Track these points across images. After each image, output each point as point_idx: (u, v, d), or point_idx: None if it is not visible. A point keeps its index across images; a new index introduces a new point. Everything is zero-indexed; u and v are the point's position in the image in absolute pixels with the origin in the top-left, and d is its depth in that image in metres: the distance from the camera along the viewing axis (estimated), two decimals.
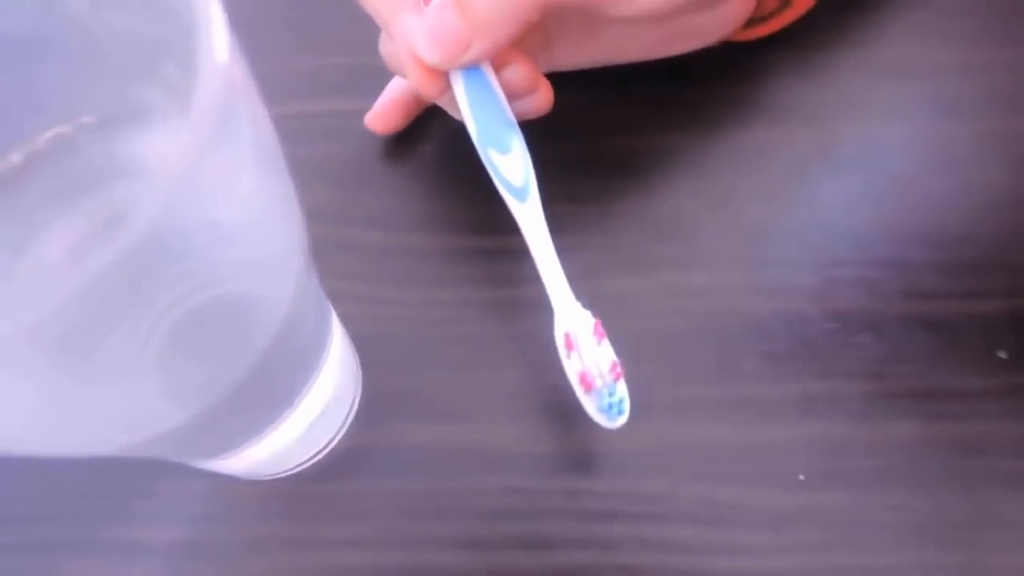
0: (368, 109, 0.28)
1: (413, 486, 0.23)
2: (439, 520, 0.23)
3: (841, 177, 0.27)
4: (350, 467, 0.24)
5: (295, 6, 0.31)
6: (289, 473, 0.23)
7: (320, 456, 0.24)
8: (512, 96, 0.22)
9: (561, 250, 0.22)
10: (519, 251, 0.25)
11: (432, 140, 0.29)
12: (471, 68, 0.21)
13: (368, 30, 0.25)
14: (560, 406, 0.24)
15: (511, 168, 0.21)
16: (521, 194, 0.21)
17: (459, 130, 0.24)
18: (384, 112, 0.27)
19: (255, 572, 0.22)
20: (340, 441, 0.24)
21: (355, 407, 0.24)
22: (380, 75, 0.27)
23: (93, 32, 0.14)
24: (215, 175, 0.11)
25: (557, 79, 0.24)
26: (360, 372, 0.25)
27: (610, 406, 0.20)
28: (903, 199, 0.27)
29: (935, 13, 0.29)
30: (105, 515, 0.23)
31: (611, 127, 0.28)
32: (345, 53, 0.30)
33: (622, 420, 0.20)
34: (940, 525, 0.22)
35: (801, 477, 0.23)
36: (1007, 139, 0.27)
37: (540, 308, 0.23)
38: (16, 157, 0.17)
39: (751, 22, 0.27)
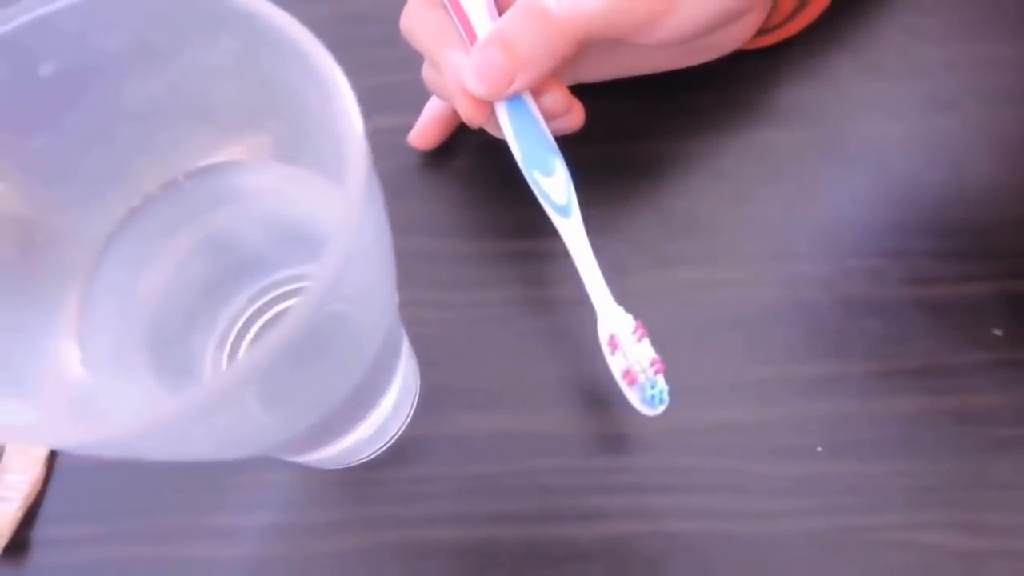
0: (407, 125, 0.30)
1: (471, 469, 0.26)
2: (497, 498, 0.26)
3: (846, 174, 0.29)
4: (414, 454, 0.26)
5: (337, 31, 0.34)
6: (362, 462, 0.26)
7: (388, 445, 0.26)
8: (548, 117, 0.25)
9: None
10: (555, 253, 0.28)
11: (468, 151, 0.31)
12: (514, 98, 0.24)
13: (403, 50, 0.27)
14: (598, 393, 0.27)
15: (555, 188, 0.23)
16: (565, 211, 0.23)
17: (491, 142, 0.27)
18: (425, 130, 0.29)
19: (335, 550, 0.25)
20: (404, 431, 0.27)
21: (416, 401, 0.27)
22: (415, 93, 0.29)
23: (212, 102, 0.17)
24: (364, 236, 0.13)
25: (578, 88, 0.26)
26: (418, 369, 0.27)
27: (652, 397, 0.23)
28: (904, 192, 0.29)
29: (921, 14, 0.32)
30: (202, 505, 0.26)
31: (630, 133, 0.30)
32: (384, 73, 0.32)
33: (662, 408, 0.23)
34: (942, 487, 0.25)
35: (819, 449, 0.26)
36: (997, 130, 0.30)
37: (576, 305, 0.26)
38: (135, 202, 0.19)
39: (760, 31, 0.29)
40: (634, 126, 0.30)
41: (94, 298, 0.19)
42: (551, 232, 0.24)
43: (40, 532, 0.26)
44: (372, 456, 0.26)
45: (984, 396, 0.26)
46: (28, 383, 0.16)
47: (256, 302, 0.24)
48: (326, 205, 0.19)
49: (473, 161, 0.31)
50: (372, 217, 0.14)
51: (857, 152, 0.30)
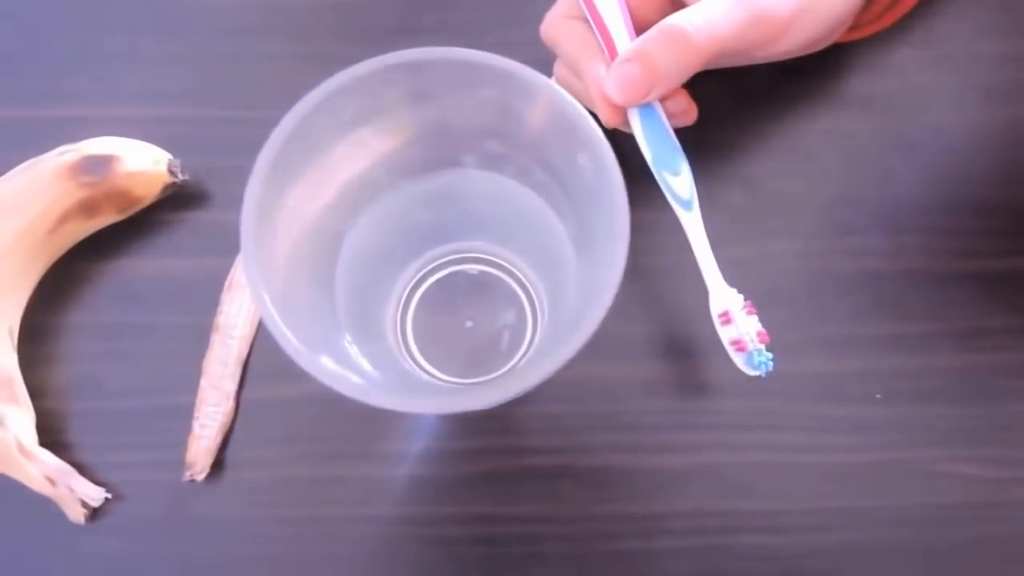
0: None
1: (588, 408, 0.31)
2: (609, 432, 0.31)
3: (909, 158, 0.34)
4: (537, 396, 0.32)
5: None
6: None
7: None
8: (668, 115, 0.28)
9: None
10: (661, 224, 0.32)
11: None
12: (646, 105, 0.27)
13: None
14: (694, 346, 0.31)
15: (680, 186, 0.27)
16: (687, 205, 0.28)
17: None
18: None
19: (481, 472, 0.31)
20: None
21: None
22: None
23: (454, 129, 0.21)
24: None
25: None
26: None
27: (760, 363, 0.27)
28: (959, 176, 0.33)
29: (985, 11, 0.35)
30: (369, 434, 0.31)
31: (722, 118, 0.34)
32: None
33: (767, 371, 0.28)
34: (978, 428, 0.31)
35: (878, 396, 0.31)
36: None
37: (675, 271, 0.30)
38: None
39: (850, 28, 0.33)
40: (725, 111, 0.34)
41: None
42: (644, 205, 0.28)
43: (232, 454, 0.31)
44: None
45: (1018, 354, 0.31)
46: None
47: (423, 269, 0.29)
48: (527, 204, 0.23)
49: None
50: None
51: (920, 138, 0.34)
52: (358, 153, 0.22)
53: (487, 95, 0.19)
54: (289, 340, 0.16)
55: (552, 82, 0.19)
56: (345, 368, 0.19)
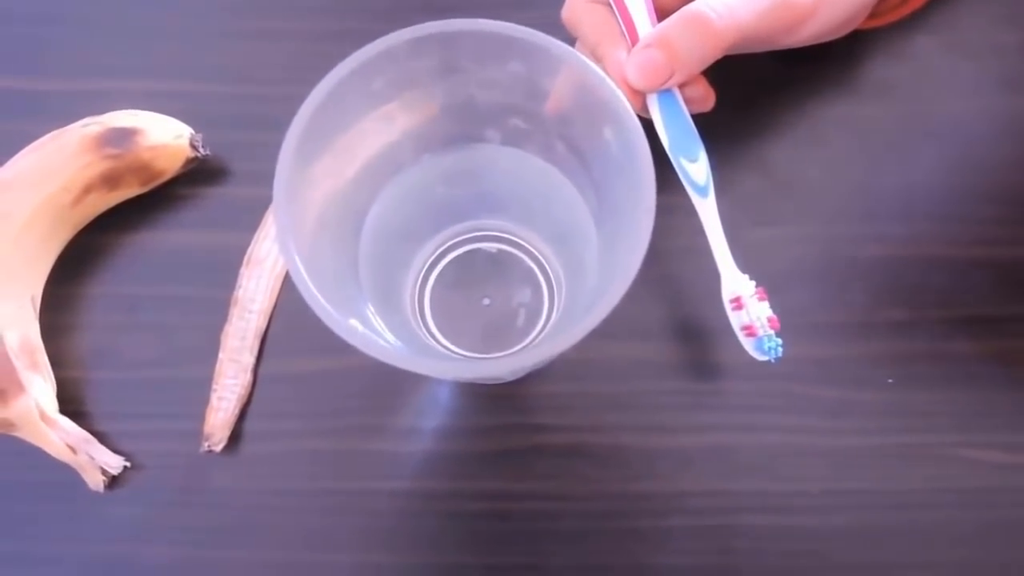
0: None
1: (600, 388, 0.32)
2: (622, 412, 0.31)
3: (926, 145, 0.34)
4: (549, 375, 0.32)
5: None
6: (511, 379, 0.32)
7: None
8: (687, 102, 0.29)
9: None
10: (675, 208, 0.32)
11: None
12: (665, 91, 0.28)
13: None
14: (707, 328, 0.32)
15: (697, 172, 0.28)
16: (703, 191, 0.28)
17: None
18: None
19: (494, 449, 0.31)
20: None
21: None
22: None
23: (479, 104, 0.21)
24: None
25: None
26: None
27: (769, 349, 0.28)
28: (975, 164, 0.34)
29: (1001, 5, 0.35)
30: (384, 409, 0.31)
31: (738, 103, 0.34)
32: None
33: (776, 356, 0.28)
34: (987, 414, 0.31)
35: (890, 380, 0.31)
36: None
37: (688, 254, 0.31)
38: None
39: (871, 15, 0.33)
40: (740, 97, 0.34)
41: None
42: (659, 188, 0.28)
43: (249, 426, 0.31)
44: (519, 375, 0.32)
45: None
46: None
47: (442, 246, 0.29)
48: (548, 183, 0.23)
49: None
50: None
51: (937, 126, 0.34)
52: (384, 126, 0.22)
53: (515, 69, 0.20)
54: (320, 302, 0.17)
55: (582, 55, 0.19)
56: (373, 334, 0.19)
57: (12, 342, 0.29)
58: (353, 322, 0.18)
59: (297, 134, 0.18)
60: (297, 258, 0.17)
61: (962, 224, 0.33)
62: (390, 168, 0.23)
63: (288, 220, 0.17)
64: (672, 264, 0.33)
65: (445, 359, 0.26)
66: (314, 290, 0.17)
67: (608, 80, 0.19)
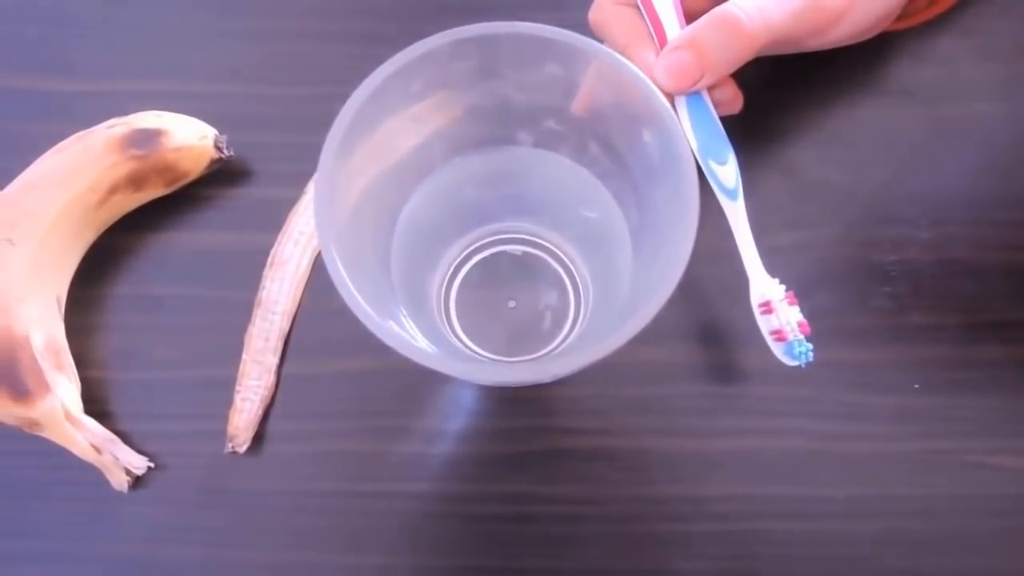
0: None
1: (624, 391, 0.31)
2: (646, 416, 0.31)
3: (952, 148, 0.34)
4: (576, 378, 0.32)
5: None
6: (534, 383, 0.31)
7: None
8: (715, 104, 0.28)
9: None
10: (703, 209, 0.32)
11: None
12: (694, 94, 0.27)
13: None
14: (732, 332, 0.32)
15: (726, 175, 0.27)
16: (732, 195, 0.28)
17: None
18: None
19: (517, 451, 0.31)
20: None
21: None
22: None
23: (513, 106, 0.21)
24: None
25: None
26: None
27: (800, 354, 0.27)
28: (1002, 168, 0.33)
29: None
30: (408, 412, 0.31)
31: (764, 106, 0.34)
32: None
33: (807, 361, 0.28)
34: (1013, 420, 0.31)
35: (916, 386, 0.31)
36: None
37: (716, 257, 0.30)
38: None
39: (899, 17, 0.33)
40: (766, 99, 0.34)
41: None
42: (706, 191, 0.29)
43: (272, 427, 0.31)
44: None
45: None
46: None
47: (468, 247, 0.29)
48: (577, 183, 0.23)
49: None
50: None
51: (963, 129, 0.34)
52: (417, 127, 0.22)
53: (552, 70, 0.20)
54: (360, 304, 0.17)
55: (623, 57, 0.19)
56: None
57: (38, 342, 0.29)
58: (391, 324, 0.18)
59: (339, 135, 0.18)
60: (338, 259, 0.17)
61: (988, 228, 0.33)
62: (422, 169, 0.23)
63: (328, 221, 0.17)
64: (697, 266, 0.32)
65: (484, 364, 0.26)
66: (355, 292, 0.17)
67: (649, 81, 0.19)
